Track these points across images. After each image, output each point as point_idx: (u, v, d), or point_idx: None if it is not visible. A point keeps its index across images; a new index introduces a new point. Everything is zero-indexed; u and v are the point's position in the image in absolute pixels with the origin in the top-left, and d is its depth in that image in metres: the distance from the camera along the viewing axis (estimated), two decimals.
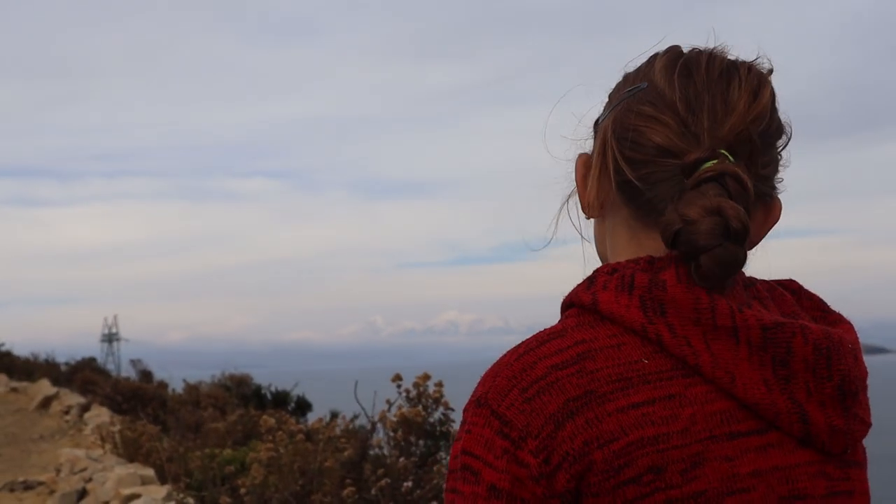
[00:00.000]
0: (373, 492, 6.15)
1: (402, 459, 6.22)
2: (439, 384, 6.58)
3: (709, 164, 1.24)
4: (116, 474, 9.57)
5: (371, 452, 6.78)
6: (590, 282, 1.31)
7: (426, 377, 6.60)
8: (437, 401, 6.50)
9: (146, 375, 29.86)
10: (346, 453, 6.62)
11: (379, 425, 6.71)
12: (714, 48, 1.36)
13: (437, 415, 6.57)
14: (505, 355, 1.29)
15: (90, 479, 10.70)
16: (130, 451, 11.57)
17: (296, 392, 27.07)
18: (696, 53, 1.35)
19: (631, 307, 1.24)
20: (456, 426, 6.77)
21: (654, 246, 1.31)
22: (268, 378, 28.94)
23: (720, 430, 1.21)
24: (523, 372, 1.24)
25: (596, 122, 1.42)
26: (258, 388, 26.88)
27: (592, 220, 1.44)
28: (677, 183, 1.28)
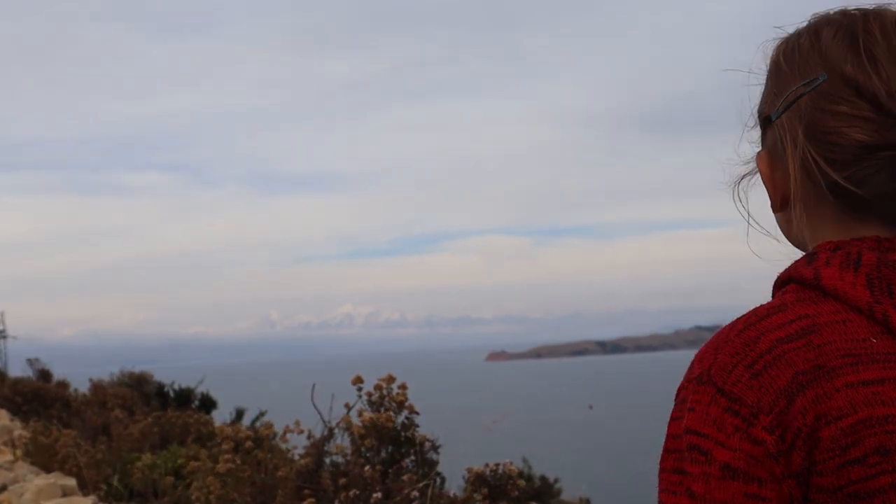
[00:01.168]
0: (336, 503, 5.68)
1: (367, 468, 5.77)
2: (403, 386, 6.15)
3: None
4: (36, 485, 8.87)
5: (327, 460, 6.30)
6: (810, 257, 1.28)
7: (391, 379, 6.16)
8: (402, 404, 6.07)
9: (45, 375, 28.73)
10: (303, 461, 6.13)
11: (337, 431, 6.23)
12: (870, 9, 1.30)
13: (400, 418, 6.14)
14: (722, 331, 1.25)
15: (2, 489, 9.97)
16: (45, 459, 10.83)
17: (199, 389, 26.47)
18: (862, 22, 1.28)
19: (857, 285, 1.21)
20: (420, 430, 6.36)
21: (869, 234, 1.27)
22: (163, 374, 28.24)
23: None
24: (747, 346, 1.21)
25: (766, 117, 1.35)
26: (161, 386, 26.16)
27: (779, 214, 1.40)
28: (891, 174, 1.23)
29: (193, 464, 6.88)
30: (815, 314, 1.22)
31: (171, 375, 27.40)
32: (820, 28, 1.31)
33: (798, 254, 1.39)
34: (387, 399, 6.02)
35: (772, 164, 1.35)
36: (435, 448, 6.34)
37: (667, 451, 1.25)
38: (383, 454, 6.00)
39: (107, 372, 25.95)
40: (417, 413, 6.09)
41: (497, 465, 5.56)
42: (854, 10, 1.31)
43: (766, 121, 1.36)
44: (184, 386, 26.53)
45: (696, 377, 1.23)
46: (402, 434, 6.03)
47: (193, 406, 24.51)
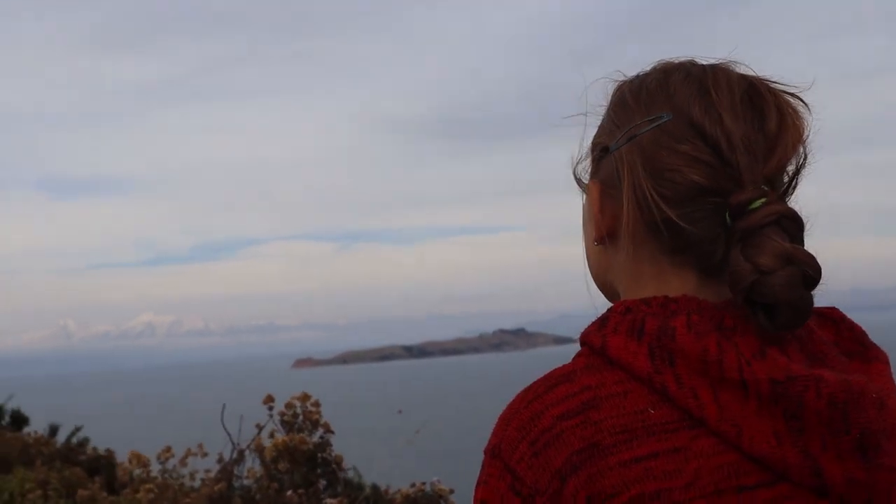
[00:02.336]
0: None
1: (290, 493, 5.52)
2: (316, 404, 5.92)
3: (757, 204, 1.23)
4: None
5: (236, 485, 6.01)
6: (602, 322, 1.30)
7: (305, 397, 5.93)
8: (316, 423, 5.84)
9: None
10: (215, 487, 5.83)
11: (248, 453, 5.95)
12: (718, 64, 1.34)
13: (315, 437, 5.92)
14: (516, 399, 1.28)
15: None
16: None
17: (10, 405, 25.36)
18: (711, 74, 1.32)
19: (639, 355, 1.23)
20: (335, 450, 6.15)
21: (678, 284, 1.31)
22: None
23: (727, 483, 1.19)
24: (532, 422, 1.24)
25: (603, 148, 1.37)
26: None
27: (595, 246, 1.41)
28: (717, 221, 1.26)
29: (83, 492, 6.46)
30: (598, 385, 1.25)
31: None
32: (669, 71, 1.35)
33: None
34: (301, 418, 5.79)
35: (602, 195, 1.37)
36: (340, 467, 6.14)
37: None
38: (296, 476, 5.77)
39: None
40: (332, 432, 5.89)
41: (424, 483, 5.42)
42: (703, 62, 1.36)
43: (602, 151, 1.38)
44: None
45: (491, 449, 1.28)
46: (319, 455, 5.82)
47: (4, 423, 23.39)
